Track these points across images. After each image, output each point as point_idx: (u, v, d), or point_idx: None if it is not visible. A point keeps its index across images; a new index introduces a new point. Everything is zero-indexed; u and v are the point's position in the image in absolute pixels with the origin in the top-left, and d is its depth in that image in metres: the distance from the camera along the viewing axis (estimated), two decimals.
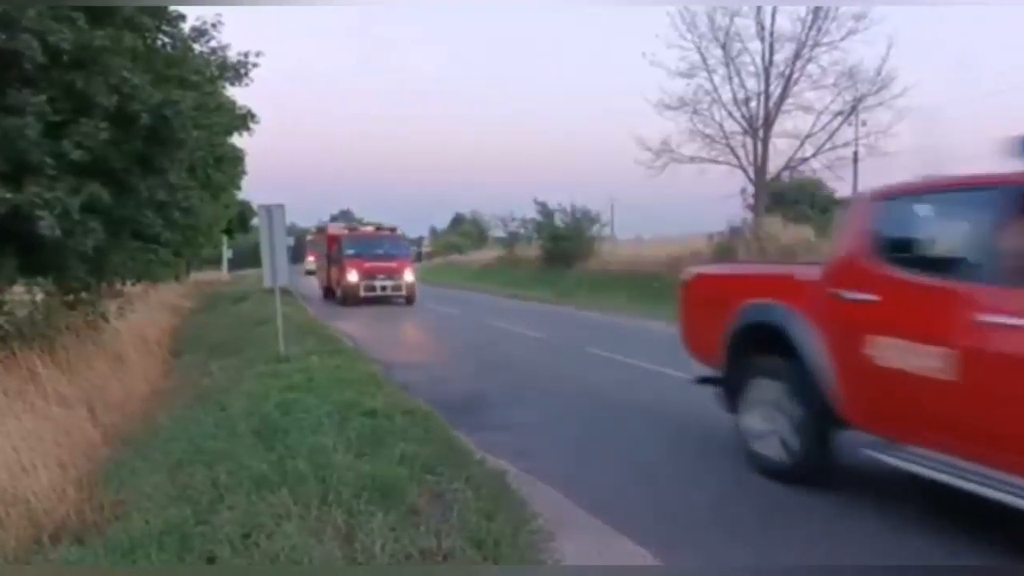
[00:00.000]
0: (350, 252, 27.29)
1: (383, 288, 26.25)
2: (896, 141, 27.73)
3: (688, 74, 29.00)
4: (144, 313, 20.00)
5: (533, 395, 10.98)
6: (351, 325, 20.18)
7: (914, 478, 5.67)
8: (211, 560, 4.77)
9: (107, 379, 11.92)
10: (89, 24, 10.52)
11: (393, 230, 30.52)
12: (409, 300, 26.60)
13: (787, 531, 5.71)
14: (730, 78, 28.84)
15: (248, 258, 46.33)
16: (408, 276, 26.78)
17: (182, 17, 14.04)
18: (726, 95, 28.92)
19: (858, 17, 26.80)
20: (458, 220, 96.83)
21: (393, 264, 26.74)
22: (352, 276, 26.21)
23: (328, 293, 29.51)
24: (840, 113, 28.16)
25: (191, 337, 20.56)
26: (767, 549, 5.42)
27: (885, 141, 27.93)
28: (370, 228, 31.02)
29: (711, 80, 28.98)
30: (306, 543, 4.81)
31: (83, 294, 13.60)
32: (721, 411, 7.62)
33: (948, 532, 5.54)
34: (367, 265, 26.40)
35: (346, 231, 30.39)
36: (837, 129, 28.45)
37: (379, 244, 27.90)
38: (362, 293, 26.20)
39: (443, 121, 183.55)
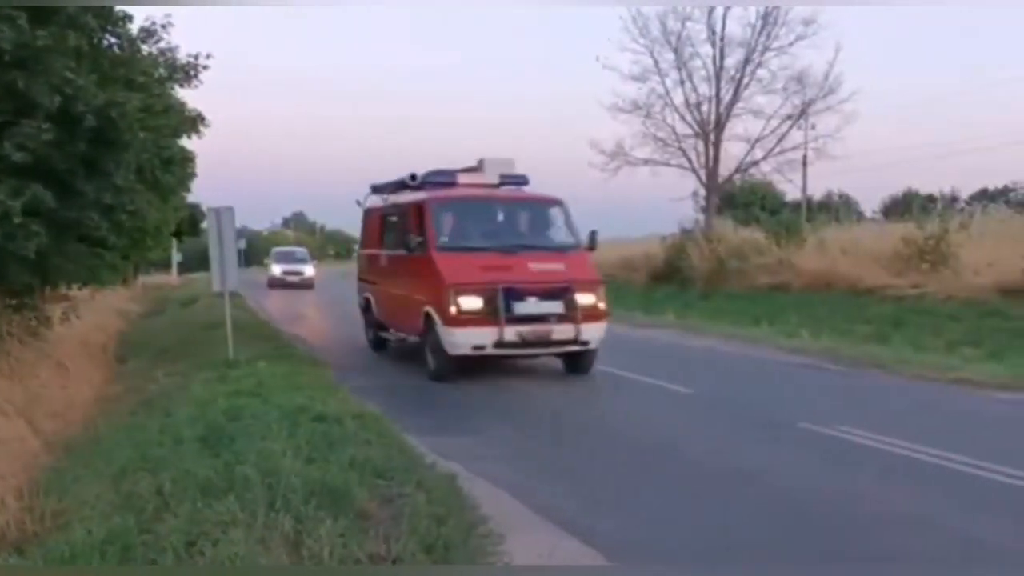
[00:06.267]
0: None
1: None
2: (843, 145, 28.19)
3: (641, 78, 29.20)
4: (90, 318, 19.65)
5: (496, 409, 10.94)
6: (303, 329, 19.98)
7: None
8: None
9: (50, 386, 11.70)
10: (31, 24, 10.29)
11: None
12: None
13: None
14: (682, 82, 29.09)
15: (198, 261, 46.01)
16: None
17: (129, 17, 13.79)
18: (678, 99, 29.17)
19: (807, 22, 27.22)
20: None
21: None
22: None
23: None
24: (789, 117, 28.54)
25: (138, 342, 20.25)
26: None
27: (833, 145, 28.36)
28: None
29: (663, 84, 29.22)
30: (253, 550, 4.74)
31: (26, 299, 13.33)
32: None
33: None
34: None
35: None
36: (786, 133, 28.84)
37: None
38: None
39: (395, 123, 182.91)
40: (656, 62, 28.91)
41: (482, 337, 11.54)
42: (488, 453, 8.07)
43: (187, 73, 16.91)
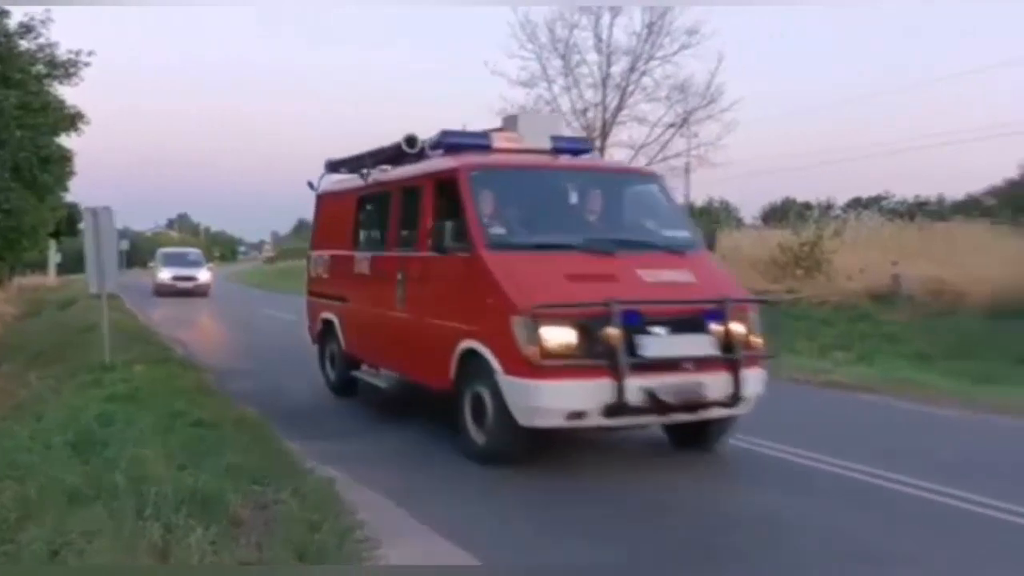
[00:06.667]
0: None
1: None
2: (724, 153, 28.93)
3: (529, 84, 29.31)
4: None
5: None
6: (184, 332, 19.59)
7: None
8: None
9: None
10: None
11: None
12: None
13: None
14: (569, 89, 29.32)
15: (77, 262, 44.50)
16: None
17: (5, 13, 13.40)
18: (565, 105, 29.32)
19: (691, 32, 27.75)
20: (302, 226, 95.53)
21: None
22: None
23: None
24: (672, 125, 29.09)
25: (11, 345, 19.56)
26: None
27: (714, 152, 29.10)
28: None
29: (551, 90, 29.41)
30: (119, 559, 4.68)
31: None
32: None
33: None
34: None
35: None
36: (669, 140, 29.41)
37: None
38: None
39: (284, 124, 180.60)
40: (544, 68, 29.15)
41: (584, 396, 7.07)
42: (371, 454, 8.14)
43: (67, 70, 16.50)
